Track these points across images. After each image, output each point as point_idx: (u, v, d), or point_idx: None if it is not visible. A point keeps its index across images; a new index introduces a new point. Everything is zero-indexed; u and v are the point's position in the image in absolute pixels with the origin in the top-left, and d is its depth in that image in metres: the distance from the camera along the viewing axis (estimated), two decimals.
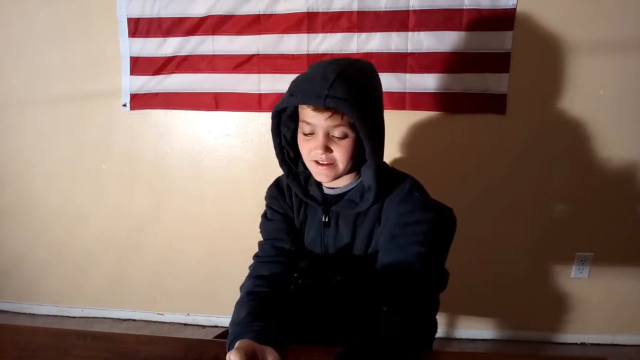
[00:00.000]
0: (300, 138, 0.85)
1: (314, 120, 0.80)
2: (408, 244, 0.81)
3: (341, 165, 0.83)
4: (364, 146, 0.80)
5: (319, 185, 0.92)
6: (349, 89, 0.76)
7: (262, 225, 0.98)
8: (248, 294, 0.86)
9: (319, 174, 0.85)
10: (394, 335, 0.72)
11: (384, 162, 0.91)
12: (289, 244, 0.92)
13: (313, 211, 0.93)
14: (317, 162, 0.84)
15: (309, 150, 0.83)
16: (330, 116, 0.78)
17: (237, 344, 0.68)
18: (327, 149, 0.81)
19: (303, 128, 0.83)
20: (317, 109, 0.78)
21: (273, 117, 0.86)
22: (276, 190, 0.98)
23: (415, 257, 0.79)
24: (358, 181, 0.90)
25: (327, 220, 0.91)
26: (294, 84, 0.82)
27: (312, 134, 0.82)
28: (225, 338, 0.79)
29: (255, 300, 0.83)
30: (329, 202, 0.91)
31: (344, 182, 0.90)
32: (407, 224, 0.82)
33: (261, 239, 0.98)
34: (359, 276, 0.85)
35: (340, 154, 0.82)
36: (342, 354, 0.71)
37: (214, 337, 0.95)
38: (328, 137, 0.81)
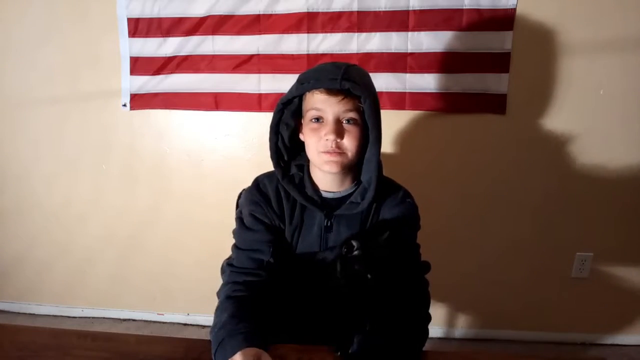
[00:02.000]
0: (307, 129, 0.85)
1: (324, 105, 0.81)
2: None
3: (350, 154, 0.83)
4: (368, 135, 0.83)
5: (315, 189, 0.91)
6: (360, 76, 0.82)
7: (238, 233, 0.92)
8: (227, 298, 0.83)
9: (328, 162, 0.83)
10: (406, 330, 0.79)
11: None
12: (269, 255, 0.87)
13: (311, 215, 0.90)
14: (325, 151, 0.83)
15: (318, 138, 0.83)
16: (343, 99, 0.80)
17: (243, 351, 0.69)
18: (339, 134, 0.81)
19: (312, 114, 0.83)
20: (330, 92, 0.80)
21: (276, 113, 0.86)
22: (259, 196, 0.91)
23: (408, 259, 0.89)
24: (356, 186, 0.90)
25: (328, 224, 0.89)
26: (302, 76, 0.84)
27: (320, 120, 0.83)
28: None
29: (236, 304, 0.81)
30: (329, 206, 0.90)
31: (343, 187, 0.90)
32: (401, 228, 0.88)
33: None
34: (388, 271, 0.84)
35: (350, 142, 0.82)
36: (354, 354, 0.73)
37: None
38: (339, 122, 0.82)
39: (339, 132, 0.81)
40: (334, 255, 0.86)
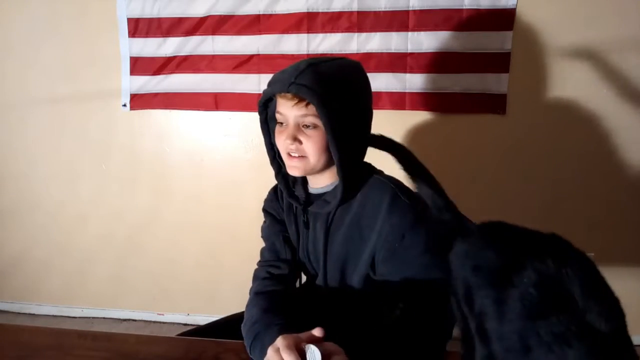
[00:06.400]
0: (276, 131, 0.85)
1: (284, 110, 0.80)
2: (411, 258, 0.78)
3: (312, 158, 0.81)
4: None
5: (304, 185, 0.91)
6: (317, 78, 0.75)
7: (262, 231, 1.00)
8: (257, 294, 0.87)
9: (290, 167, 0.84)
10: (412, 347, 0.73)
11: (368, 164, 0.90)
12: (282, 245, 0.93)
13: (299, 213, 0.92)
14: (289, 154, 0.83)
15: (282, 142, 0.83)
16: (296, 104, 0.78)
17: (278, 342, 0.65)
18: (296, 139, 0.80)
19: (277, 118, 0.84)
20: (283, 96, 0.78)
21: (260, 113, 0.86)
22: (273, 194, 0.98)
23: (422, 269, 0.78)
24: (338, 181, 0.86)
25: (306, 220, 0.90)
26: (272, 77, 0.83)
27: (284, 124, 0.82)
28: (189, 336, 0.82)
29: (267, 299, 0.85)
30: (311, 202, 0.89)
31: (326, 182, 0.87)
32: (405, 236, 0.79)
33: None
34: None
35: (310, 146, 0.80)
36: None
37: (178, 334, 0.94)
38: (298, 127, 0.80)
39: (295, 137, 0.80)
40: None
